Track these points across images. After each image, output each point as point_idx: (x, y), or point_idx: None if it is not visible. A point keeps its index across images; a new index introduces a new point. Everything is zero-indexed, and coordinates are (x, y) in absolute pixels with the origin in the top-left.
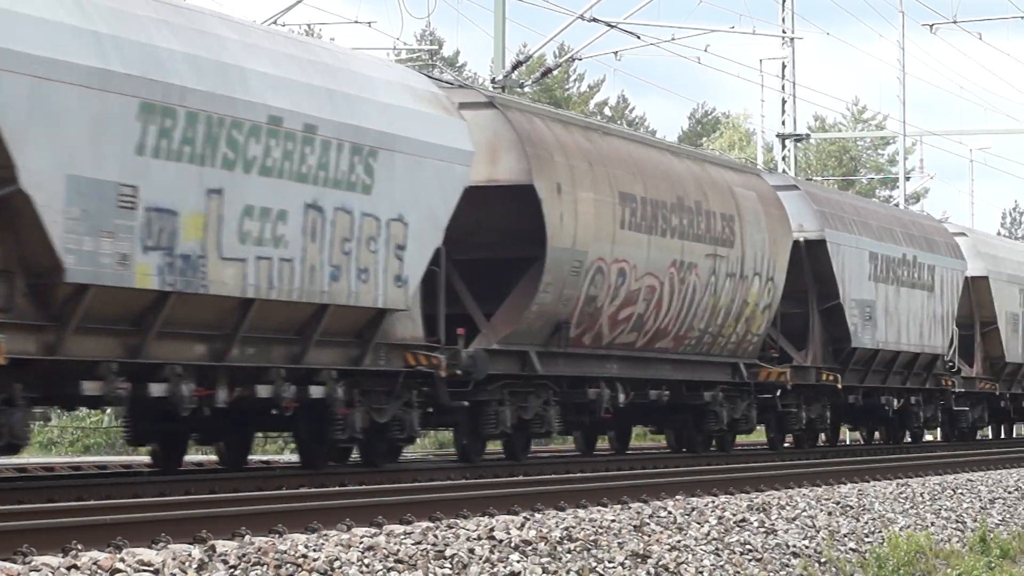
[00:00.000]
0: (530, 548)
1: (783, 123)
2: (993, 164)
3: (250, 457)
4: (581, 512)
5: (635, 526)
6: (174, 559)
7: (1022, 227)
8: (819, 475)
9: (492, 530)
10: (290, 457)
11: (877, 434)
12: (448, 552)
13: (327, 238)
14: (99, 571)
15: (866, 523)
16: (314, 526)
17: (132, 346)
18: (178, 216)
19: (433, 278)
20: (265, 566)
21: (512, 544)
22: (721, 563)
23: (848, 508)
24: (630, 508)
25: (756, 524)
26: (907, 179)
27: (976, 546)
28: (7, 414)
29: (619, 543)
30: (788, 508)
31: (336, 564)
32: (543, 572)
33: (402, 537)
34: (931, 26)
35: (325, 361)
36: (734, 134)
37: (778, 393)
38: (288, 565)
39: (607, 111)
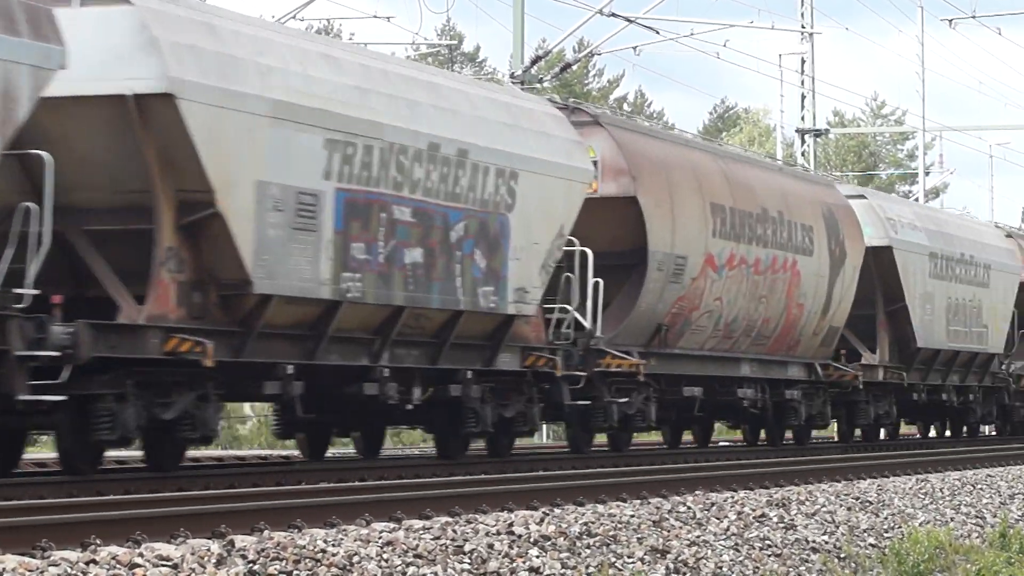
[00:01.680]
0: (549, 543)
1: (802, 118)
2: (1013, 159)
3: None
4: (600, 507)
5: (654, 521)
6: (193, 554)
7: None
8: (838, 470)
9: (511, 525)
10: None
11: None
12: (467, 547)
13: None
14: (118, 566)
15: (886, 518)
16: (333, 521)
17: None
18: None
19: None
20: (284, 561)
21: (531, 539)
22: (740, 559)
23: (868, 503)
24: (649, 503)
25: (776, 519)
26: (927, 174)
27: (996, 542)
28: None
29: (638, 538)
30: (808, 503)
31: (355, 559)
32: (562, 567)
33: (421, 532)
34: (950, 21)
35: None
36: (754, 129)
37: None
38: (307, 560)
39: (626, 106)
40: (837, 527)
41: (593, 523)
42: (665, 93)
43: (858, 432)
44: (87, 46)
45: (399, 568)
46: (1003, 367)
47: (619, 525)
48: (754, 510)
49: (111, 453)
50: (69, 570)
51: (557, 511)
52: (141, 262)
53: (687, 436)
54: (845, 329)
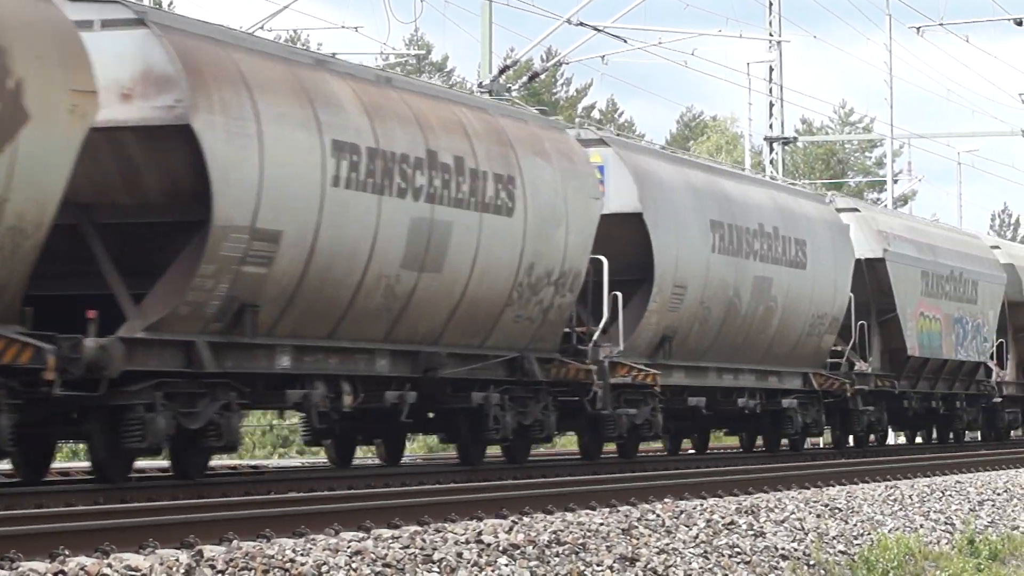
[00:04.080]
0: (518, 552)
1: (770, 126)
2: (981, 167)
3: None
4: (569, 515)
5: (623, 529)
6: (161, 564)
7: (1011, 229)
8: (807, 477)
9: (480, 534)
10: (280, 462)
11: None
12: (436, 556)
13: None
14: None
15: (855, 525)
16: (302, 531)
17: None
18: None
19: None
20: (253, 571)
21: (500, 548)
22: (709, 566)
23: (837, 510)
24: (618, 511)
25: (745, 527)
26: (895, 182)
27: (965, 548)
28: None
29: (607, 546)
30: (776, 511)
31: (324, 568)
32: (531, 575)
33: (390, 541)
34: (918, 29)
35: None
36: (721, 138)
37: None
38: (276, 570)
39: (596, 114)
40: (806, 534)
41: (562, 531)
42: (633, 101)
43: None
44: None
45: None
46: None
47: (588, 533)
48: (723, 517)
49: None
50: None
51: (526, 519)
52: None
53: None
54: None
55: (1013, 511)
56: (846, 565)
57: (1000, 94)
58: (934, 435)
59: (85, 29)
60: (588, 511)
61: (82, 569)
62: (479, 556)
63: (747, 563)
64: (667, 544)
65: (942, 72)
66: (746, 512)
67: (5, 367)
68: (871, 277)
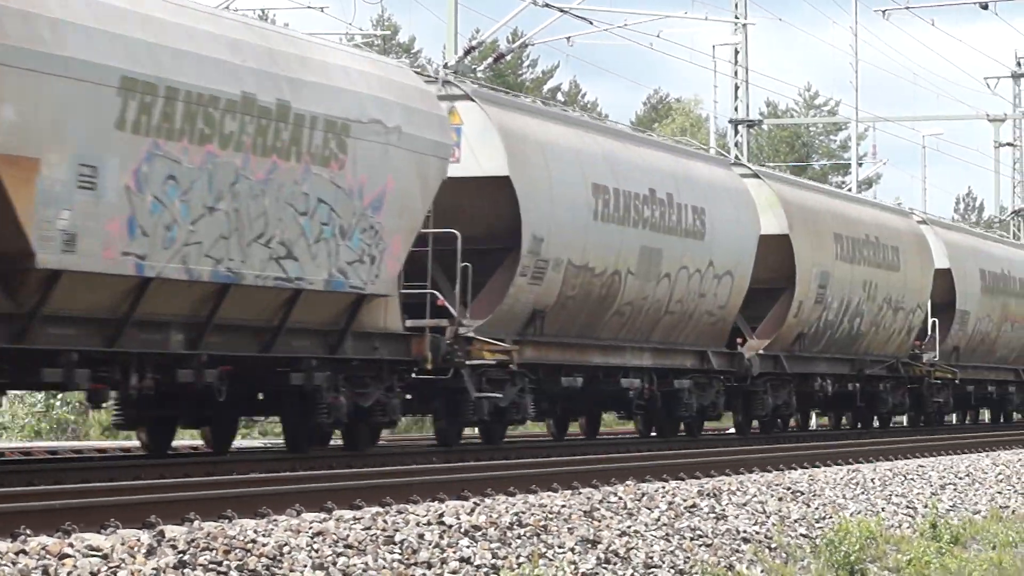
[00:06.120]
0: (480, 533)
1: (736, 109)
2: (946, 150)
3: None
4: (531, 497)
5: (585, 511)
6: (123, 544)
7: (975, 212)
8: (769, 460)
9: (442, 515)
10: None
11: None
12: (398, 537)
13: None
14: (48, 556)
15: (817, 508)
16: (263, 511)
17: None
18: None
19: None
20: (214, 551)
21: (462, 529)
22: (671, 548)
23: (799, 493)
24: (580, 493)
25: (706, 509)
26: (860, 165)
27: (927, 532)
28: None
29: (569, 528)
30: (739, 493)
31: (285, 549)
32: (493, 557)
33: (352, 522)
34: (884, 12)
35: None
36: (685, 120)
37: None
38: (237, 550)
39: (560, 96)
40: (768, 517)
41: (524, 513)
42: (599, 83)
43: None
44: None
45: (329, 558)
46: None
47: (550, 515)
48: (685, 500)
49: None
50: None
51: (488, 501)
52: None
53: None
54: None
55: (975, 495)
56: (808, 548)
57: (965, 78)
58: None
59: None
60: (550, 493)
61: (43, 548)
62: (441, 537)
63: (708, 546)
64: (629, 527)
65: (908, 56)
66: (708, 495)
67: None
68: None
